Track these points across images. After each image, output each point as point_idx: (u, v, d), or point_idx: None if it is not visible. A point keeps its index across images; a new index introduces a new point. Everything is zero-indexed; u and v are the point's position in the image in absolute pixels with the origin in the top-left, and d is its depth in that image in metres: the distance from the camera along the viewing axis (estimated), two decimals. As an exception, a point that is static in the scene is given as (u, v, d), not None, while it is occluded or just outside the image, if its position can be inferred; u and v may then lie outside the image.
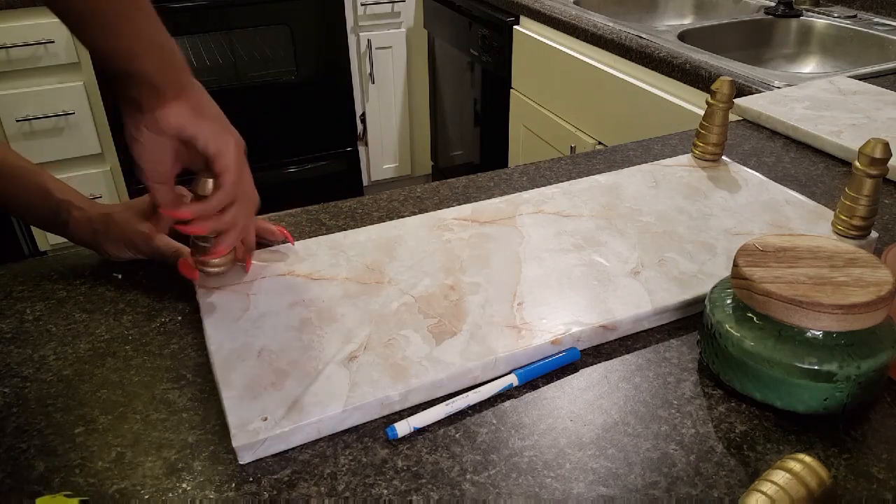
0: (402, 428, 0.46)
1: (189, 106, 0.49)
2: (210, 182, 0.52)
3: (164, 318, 0.58)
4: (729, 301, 0.50)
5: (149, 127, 0.50)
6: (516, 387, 0.50)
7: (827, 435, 0.47)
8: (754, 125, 0.95)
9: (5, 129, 1.92)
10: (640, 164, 0.80)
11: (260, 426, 0.45)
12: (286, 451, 0.45)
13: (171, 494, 0.42)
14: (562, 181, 0.77)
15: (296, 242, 0.64)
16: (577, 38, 1.49)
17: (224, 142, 0.51)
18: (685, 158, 0.80)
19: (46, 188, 0.61)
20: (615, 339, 0.55)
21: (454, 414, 0.48)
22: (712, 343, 0.50)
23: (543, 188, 0.74)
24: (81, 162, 2.04)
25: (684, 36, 1.37)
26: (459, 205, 0.72)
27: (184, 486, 0.43)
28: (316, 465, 0.45)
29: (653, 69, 1.28)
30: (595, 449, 0.46)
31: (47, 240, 2.08)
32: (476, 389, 0.49)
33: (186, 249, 0.58)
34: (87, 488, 0.43)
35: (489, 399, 0.49)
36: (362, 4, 2.21)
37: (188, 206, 0.53)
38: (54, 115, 1.94)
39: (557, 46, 1.56)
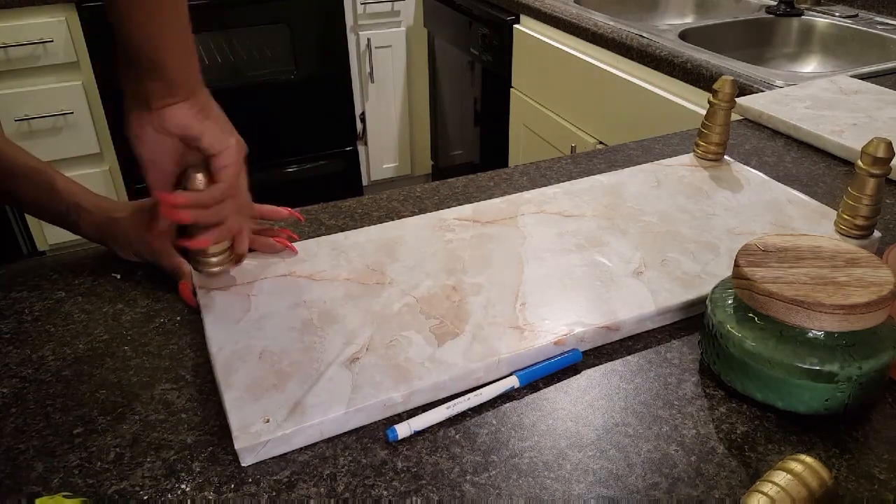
0: (403, 430, 0.46)
1: (196, 107, 0.52)
2: (199, 177, 0.53)
3: (163, 319, 0.57)
4: (730, 301, 0.50)
5: (153, 125, 0.52)
6: (517, 388, 0.50)
7: (828, 435, 0.47)
8: (755, 125, 0.95)
9: (4, 128, 1.91)
10: (641, 163, 0.80)
11: (262, 428, 0.45)
12: (286, 453, 0.45)
13: (170, 495, 0.42)
14: (562, 181, 0.77)
15: (296, 243, 0.64)
16: (578, 37, 1.49)
17: (226, 142, 0.53)
18: (687, 158, 0.80)
19: (55, 188, 0.62)
20: (617, 340, 0.55)
21: (454, 415, 0.48)
22: (713, 343, 0.50)
23: (545, 188, 0.73)
24: (80, 161, 2.04)
25: (685, 35, 1.37)
26: (459, 205, 0.72)
27: (183, 486, 0.43)
28: (315, 466, 0.44)
29: (654, 68, 1.28)
30: (596, 450, 0.45)
31: (46, 240, 2.08)
32: (477, 392, 0.49)
33: (188, 267, 0.59)
34: (86, 489, 0.43)
35: (489, 400, 0.49)
36: (362, 3, 2.21)
37: (183, 193, 0.54)
38: (53, 114, 1.93)
39: (558, 45, 1.56)
